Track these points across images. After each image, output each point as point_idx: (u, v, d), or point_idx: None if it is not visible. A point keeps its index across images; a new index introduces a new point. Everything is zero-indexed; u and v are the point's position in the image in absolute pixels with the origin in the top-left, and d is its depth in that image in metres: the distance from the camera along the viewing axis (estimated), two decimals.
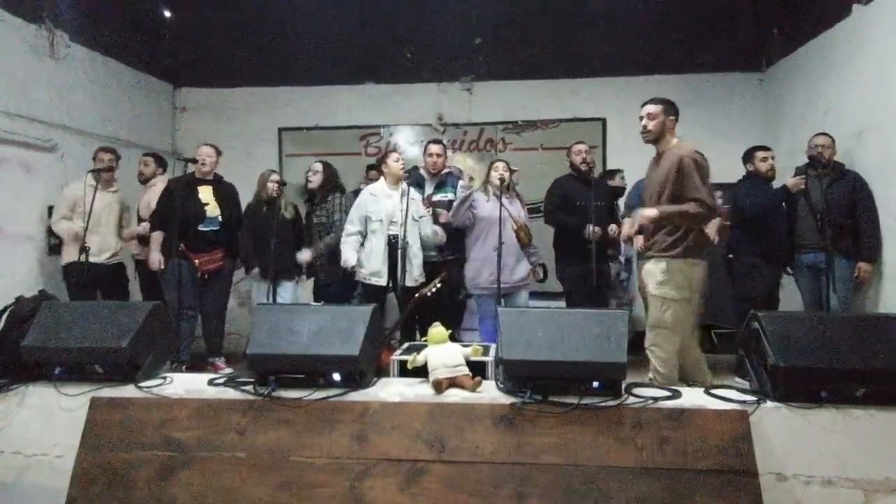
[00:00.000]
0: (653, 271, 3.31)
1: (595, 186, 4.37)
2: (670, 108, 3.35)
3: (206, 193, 4.60)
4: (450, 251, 4.59)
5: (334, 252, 4.50)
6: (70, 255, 4.47)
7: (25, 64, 4.62)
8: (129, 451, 2.36)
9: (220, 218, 4.60)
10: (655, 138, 3.38)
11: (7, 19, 4.47)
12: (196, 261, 4.48)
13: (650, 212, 3.29)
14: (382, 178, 4.52)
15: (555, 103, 6.21)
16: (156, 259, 4.47)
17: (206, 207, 4.56)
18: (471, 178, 5.74)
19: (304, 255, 4.67)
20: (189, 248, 4.45)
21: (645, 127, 3.36)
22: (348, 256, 4.30)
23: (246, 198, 4.93)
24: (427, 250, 4.49)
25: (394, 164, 4.44)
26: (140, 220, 4.80)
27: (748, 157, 4.50)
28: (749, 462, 2.14)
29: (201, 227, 4.51)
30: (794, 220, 4.30)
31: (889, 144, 3.99)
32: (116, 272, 4.84)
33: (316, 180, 4.72)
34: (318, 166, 4.78)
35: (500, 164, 4.33)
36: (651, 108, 3.35)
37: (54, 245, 4.79)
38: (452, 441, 2.25)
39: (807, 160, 4.24)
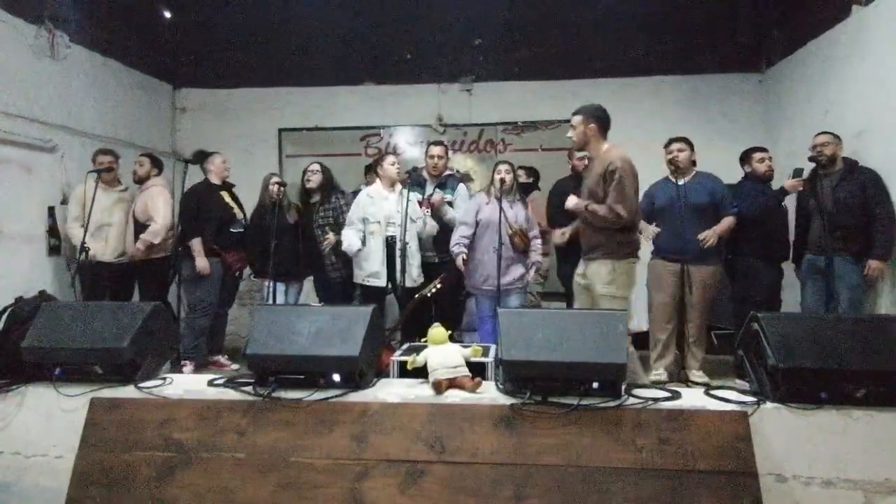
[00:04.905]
0: (599, 272, 3.45)
1: None
2: (592, 117, 3.48)
3: (229, 198, 4.82)
4: (446, 252, 4.59)
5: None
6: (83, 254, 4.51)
7: (25, 64, 4.62)
8: (128, 451, 2.36)
9: (243, 220, 4.83)
10: (580, 146, 3.60)
11: (7, 20, 4.47)
12: (230, 259, 4.68)
13: (571, 200, 3.58)
14: (378, 180, 4.53)
15: (555, 104, 6.20)
16: (206, 265, 4.54)
17: (233, 211, 4.78)
18: (468, 177, 5.75)
19: (331, 237, 4.53)
20: (221, 247, 4.65)
21: (570, 137, 3.57)
22: (352, 241, 4.31)
23: (246, 199, 4.94)
24: (425, 251, 4.49)
25: (389, 167, 4.45)
26: (136, 221, 4.79)
27: (745, 158, 4.49)
28: (749, 463, 2.14)
29: (232, 229, 4.73)
30: (807, 223, 4.21)
31: (889, 145, 3.99)
32: (125, 272, 4.86)
33: (315, 180, 4.70)
34: (316, 167, 4.76)
35: (504, 167, 4.30)
36: (573, 119, 3.53)
37: (54, 245, 4.81)
38: (452, 442, 2.25)
39: (808, 161, 4.22)
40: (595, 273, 3.48)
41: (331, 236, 4.54)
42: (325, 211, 4.67)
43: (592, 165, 3.58)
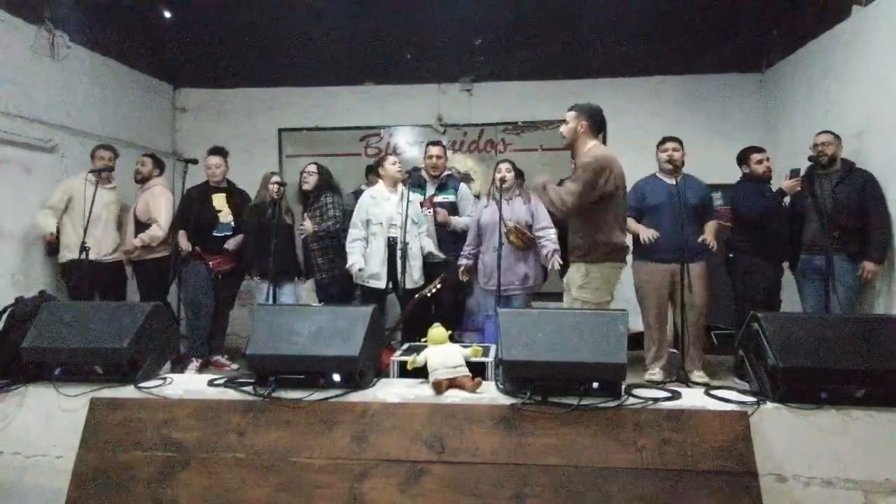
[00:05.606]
0: (574, 276, 3.41)
1: None
2: (585, 114, 3.44)
3: (219, 201, 4.85)
4: (450, 252, 4.59)
5: (332, 246, 4.57)
6: (69, 253, 4.49)
7: (26, 64, 4.62)
8: (128, 451, 2.36)
9: (232, 224, 4.82)
10: (569, 143, 3.52)
11: (7, 20, 4.47)
12: (210, 262, 4.72)
13: (541, 177, 3.54)
14: (381, 180, 4.52)
15: (555, 104, 6.15)
16: (187, 245, 4.69)
17: (219, 214, 4.80)
18: (468, 178, 5.74)
19: (307, 225, 4.58)
20: (204, 250, 4.72)
21: (561, 133, 3.54)
22: (355, 260, 4.31)
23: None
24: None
25: (390, 167, 4.45)
26: (137, 221, 4.78)
27: (743, 158, 4.48)
28: (749, 463, 2.14)
29: (215, 233, 4.77)
30: (802, 222, 4.20)
31: (889, 145, 3.98)
32: (115, 271, 4.85)
33: (311, 181, 4.67)
34: (313, 168, 4.73)
35: (504, 166, 4.29)
36: (567, 115, 3.50)
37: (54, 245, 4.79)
38: (452, 442, 2.25)
39: (808, 160, 4.22)
40: (569, 276, 3.46)
41: (307, 224, 4.56)
42: (311, 210, 4.65)
43: (577, 164, 3.54)
